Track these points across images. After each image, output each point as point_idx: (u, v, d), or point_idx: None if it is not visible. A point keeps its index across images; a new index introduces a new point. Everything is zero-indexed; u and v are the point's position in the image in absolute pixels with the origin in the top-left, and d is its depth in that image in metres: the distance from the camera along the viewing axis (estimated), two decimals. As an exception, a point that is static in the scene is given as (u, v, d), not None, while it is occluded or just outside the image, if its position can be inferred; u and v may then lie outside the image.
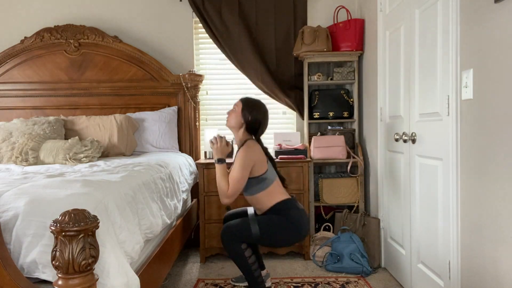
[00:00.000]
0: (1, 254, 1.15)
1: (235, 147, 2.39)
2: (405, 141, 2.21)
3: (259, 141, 2.26)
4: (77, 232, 1.08)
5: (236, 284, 2.46)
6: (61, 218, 1.09)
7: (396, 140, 2.29)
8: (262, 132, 2.27)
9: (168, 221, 2.13)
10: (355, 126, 3.17)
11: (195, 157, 3.28)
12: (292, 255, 2.95)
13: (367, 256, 2.64)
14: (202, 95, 3.44)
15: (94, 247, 1.12)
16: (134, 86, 3.27)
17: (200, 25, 3.36)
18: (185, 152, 3.28)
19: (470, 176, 1.64)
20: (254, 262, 2.16)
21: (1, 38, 3.40)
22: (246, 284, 2.43)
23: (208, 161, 2.90)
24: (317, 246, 2.77)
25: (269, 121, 3.35)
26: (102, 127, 2.96)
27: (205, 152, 3.10)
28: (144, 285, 1.63)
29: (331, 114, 3.16)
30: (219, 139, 2.23)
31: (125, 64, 3.27)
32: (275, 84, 3.22)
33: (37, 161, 2.53)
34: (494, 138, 1.47)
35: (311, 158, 3.01)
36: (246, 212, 2.38)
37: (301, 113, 3.31)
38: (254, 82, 3.28)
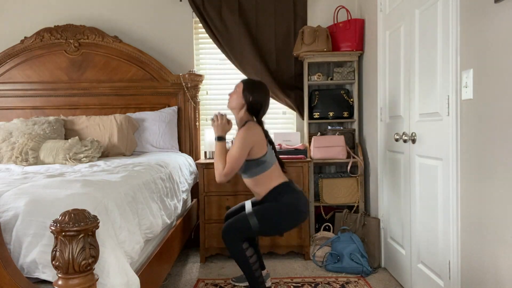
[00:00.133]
0: (1, 254, 1.15)
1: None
2: (405, 141, 2.21)
3: (261, 123, 2.23)
4: (77, 232, 1.08)
5: (236, 284, 2.45)
6: (61, 218, 1.09)
7: (396, 140, 2.29)
8: (264, 113, 2.25)
9: (168, 221, 2.13)
10: (355, 126, 3.17)
11: (195, 157, 3.28)
12: (292, 255, 2.95)
13: (367, 256, 2.64)
14: (202, 95, 3.44)
15: (94, 247, 1.12)
16: (134, 86, 3.27)
17: (200, 25, 3.36)
18: (185, 152, 3.28)
19: (470, 176, 1.64)
20: (255, 262, 2.15)
21: (1, 38, 3.40)
22: (246, 284, 2.43)
23: (208, 161, 2.90)
24: (317, 246, 2.77)
25: (269, 121, 3.40)
26: (102, 127, 2.96)
27: (205, 152, 3.10)
28: (144, 285, 1.63)
29: (331, 114, 3.16)
30: (220, 117, 2.21)
31: (125, 64, 3.27)
32: (275, 84, 3.22)
33: (37, 161, 2.53)
34: (494, 138, 1.47)
35: (311, 158, 3.01)
36: (244, 207, 2.38)
37: (301, 113, 3.31)
38: (254, 82, 3.28)
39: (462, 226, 1.71)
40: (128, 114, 3.17)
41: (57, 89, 3.27)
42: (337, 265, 2.62)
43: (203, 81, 3.36)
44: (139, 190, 1.80)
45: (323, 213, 3.12)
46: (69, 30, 3.25)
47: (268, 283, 2.39)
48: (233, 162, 2.08)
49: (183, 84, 3.24)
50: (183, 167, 2.80)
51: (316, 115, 3.18)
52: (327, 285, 2.42)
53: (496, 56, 1.45)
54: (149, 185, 1.96)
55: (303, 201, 2.18)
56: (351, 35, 3.06)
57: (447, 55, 1.79)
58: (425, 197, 2.06)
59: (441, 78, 1.85)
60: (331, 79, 3.18)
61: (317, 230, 3.09)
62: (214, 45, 3.33)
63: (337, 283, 2.45)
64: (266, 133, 2.23)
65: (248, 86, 2.19)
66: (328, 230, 3.01)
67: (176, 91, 3.29)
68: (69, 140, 2.58)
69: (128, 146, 2.98)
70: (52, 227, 1.08)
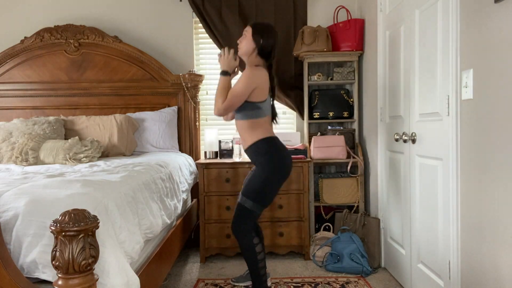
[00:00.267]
0: (1, 254, 1.15)
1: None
2: (405, 141, 2.21)
3: (271, 68, 2.22)
4: (77, 232, 1.08)
5: (236, 284, 2.46)
6: (61, 218, 1.09)
7: (396, 140, 2.29)
8: (274, 56, 2.23)
9: (168, 221, 2.13)
10: (355, 126, 3.17)
11: (195, 157, 3.28)
12: (292, 255, 2.95)
13: (367, 256, 2.64)
14: (202, 95, 3.44)
15: (94, 247, 1.12)
16: (134, 86, 3.27)
17: (200, 25, 3.36)
18: (185, 152, 3.28)
19: (470, 176, 1.64)
20: (262, 260, 2.17)
21: (1, 38, 3.40)
22: (246, 284, 2.43)
23: (208, 161, 2.90)
24: (317, 246, 2.78)
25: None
26: (102, 127, 2.96)
27: (205, 152, 3.10)
28: (144, 285, 1.63)
29: (331, 114, 3.16)
30: (227, 51, 2.20)
31: (125, 64, 3.27)
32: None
33: (37, 161, 2.53)
34: (494, 138, 1.47)
35: (311, 158, 3.01)
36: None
37: (301, 113, 3.31)
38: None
39: (462, 226, 1.71)
40: (128, 114, 3.17)
41: (57, 89, 3.27)
42: (337, 265, 2.62)
43: (203, 81, 3.36)
44: (139, 190, 1.80)
45: (323, 213, 3.12)
46: (69, 30, 3.25)
47: (268, 283, 2.39)
48: (234, 98, 2.07)
49: (183, 84, 3.24)
50: (183, 167, 2.80)
51: (316, 115, 3.18)
52: (327, 285, 2.42)
53: (496, 56, 1.45)
54: (149, 185, 1.96)
55: (287, 157, 2.16)
56: (351, 35, 3.06)
57: (447, 55, 1.79)
58: (425, 197, 2.06)
59: (441, 78, 1.85)
60: (331, 79, 3.18)
61: (317, 230, 3.09)
62: (214, 45, 3.33)
63: (337, 283, 2.45)
64: (272, 79, 2.21)
65: (258, 30, 2.17)
66: (328, 230, 3.01)
67: (176, 91, 3.29)
68: (69, 140, 2.58)
69: (128, 146, 2.98)
70: (52, 227, 1.08)
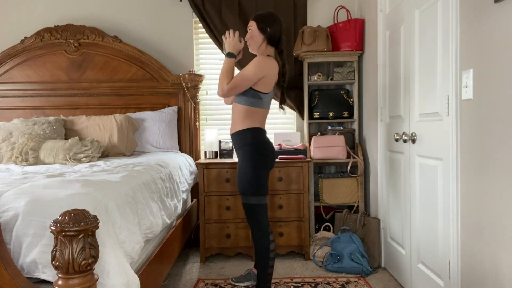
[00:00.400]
0: (1, 254, 1.15)
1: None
2: (405, 141, 2.21)
3: (282, 54, 2.23)
4: (77, 232, 1.08)
5: (236, 284, 2.46)
6: (61, 218, 1.09)
7: (396, 140, 2.29)
8: (283, 41, 2.24)
9: (168, 221, 2.13)
10: (355, 126, 3.17)
11: (195, 157, 3.28)
12: (292, 255, 2.95)
13: (367, 256, 2.64)
14: (202, 95, 3.43)
15: (94, 247, 1.12)
16: (134, 86, 3.27)
17: (200, 25, 3.36)
18: (185, 152, 3.28)
19: (470, 176, 1.64)
20: (273, 259, 2.19)
21: (1, 38, 3.40)
22: (246, 284, 2.43)
23: (208, 161, 2.90)
24: (317, 246, 2.78)
25: (269, 121, 3.40)
26: (102, 127, 2.96)
27: (205, 152, 3.11)
28: (144, 285, 1.63)
29: (331, 114, 3.16)
30: (233, 33, 2.20)
31: (125, 64, 3.27)
32: (275, 84, 3.21)
33: (37, 161, 2.53)
34: (494, 138, 1.47)
35: (311, 158, 3.01)
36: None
37: (301, 113, 3.31)
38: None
39: (462, 226, 1.71)
40: (128, 114, 3.17)
41: (57, 89, 3.27)
42: (337, 265, 2.62)
43: (203, 81, 3.36)
44: (139, 190, 1.80)
45: (323, 213, 3.12)
46: (69, 30, 3.25)
47: (268, 283, 2.40)
48: (241, 81, 2.07)
49: (183, 84, 3.24)
50: (183, 167, 2.80)
51: (316, 115, 3.18)
52: (327, 285, 2.42)
53: (496, 56, 1.45)
54: (149, 185, 1.96)
55: (269, 145, 2.19)
56: (351, 35, 3.06)
57: (447, 55, 1.79)
58: (425, 197, 2.06)
59: (441, 78, 1.85)
60: (331, 79, 3.18)
61: (317, 230, 3.09)
62: (214, 45, 3.33)
63: (337, 283, 2.45)
64: (284, 65, 2.22)
65: (261, 20, 2.18)
66: (328, 230, 3.01)
67: (176, 91, 3.29)
68: (69, 140, 2.58)
69: (128, 146, 2.98)
70: (52, 227, 1.08)
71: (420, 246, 2.13)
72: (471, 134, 1.62)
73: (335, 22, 3.20)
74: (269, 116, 3.35)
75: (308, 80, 3.19)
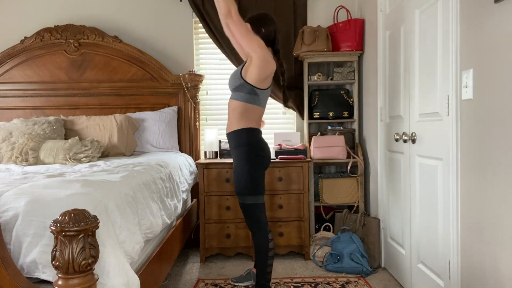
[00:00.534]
0: (1, 254, 1.15)
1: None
2: (405, 141, 2.21)
3: (278, 53, 2.24)
4: (77, 232, 1.08)
5: (236, 284, 2.46)
6: (61, 218, 1.09)
7: (396, 140, 2.29)
8: (279, 40, 2.26)
9: (168, 221, 2.13)
10: (355, 126, 3.17)
11: (195, 157, 3.28)
12: (292, 255, 2.95)
13: (367, 256, 2.64)
14: (202, 95, 3.44)
15: (94, 247, 1.12)
16: (134, 86, 3.27)
17: (200, 25, 3.36)
18: (185, 152, 3.28)
19: (470, 176, 1.64)
20: (272, 258, 2.20)
21: (1, 38, 3.40)
22: (246, 284, 2.43)
23: (208, 161, 2.90)
24: (317, 246, 2.78)
25: (269, 121, 3.40)
26: (102, 127, 2.96)
27: (205, 152, 3.10)
28: (144, 285, 1.63)
29: (331, 114, 3.16)
30: None
31: (125, 64, 3.27)
32: (275, 84, 3.22)
33: (37, 161, 2.53)
34: (494, 138, 1.47)
35: (311, 158, 3.01)
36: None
37: (301, 113, 3.31)
38: (254, 82, 3.28)
39: (462, 226, 1.71)
40: (128, 114, 3.17)
41: (57, 89, 3.27)
42: (337, 265, 2.62)
43: (203, 81, 3.36)
44: (139, 190, 1.80)
45: (323, 213, 3.12)
46: (69, 30, 3.25)
47: (268, 283, 2.40)
48: (243, 29, 2.04)
49: (183, 84, 3.24)
50: (183, 167, 2.80)
51: (316, 115, 3.18)
52: (327, 285, 2.42)
53: (496, 56, 1.45)
54: (149, 185, 1.96)
55: (263, 145, 2.20)
56: (351, 35, 3.06)
57: (447, 55, 1.79)
58: (425, 197, 2.06)
59: (441, 78, 1.85)
60: (331, 79, 3.18)
61: (317, 230, 3.09)
62: (214, 45, 3.33)
63: (337, 283, 2.45)
64: (281, 64, 2.23)
65: (256, 22, 2.19)
66: (328, 230, 3.01)
67: (176, 91, 3.29)
68: (69, 140, 2.58)
69: (128, 146, 2.98)
70: (52, 227, 1.08)
71: (420, 246, 2.13)
72: (471, 134, 1.62)
73: (335, 22, 3.20)
74: (269, 116, 3.39)
75: (308, 80, 3.19)
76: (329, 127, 3.23)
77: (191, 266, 2.83)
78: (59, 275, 1.10)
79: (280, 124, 3.47)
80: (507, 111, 1.39)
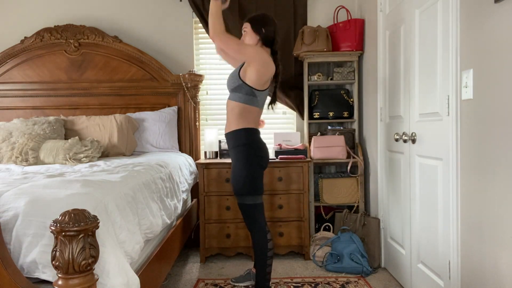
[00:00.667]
0: (1, 254, 1.15)
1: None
2: (405, 141, 2.21)
3: (276, 54, 2.26)
4: (77, 232, 1.08)
5: (236, 284, 2.46)
6: (61, 218, 1.09)
7: (396, 140, 2.29)
8: (278, 41, 2.27)
9: (168, 221, 2.13)
10: (355, 126, 3.17)
11: (195, 157, 3.28)
12: (292, 255, 2.95)
13: (367, 256, 2.64)
14: (202, 95, 3.44)
15: (94, 247, 1.12)
16: (134, 86, 3.27)
17: (200, 25, 3.36)
18: (185, 152, 3.28)
19: (470, 176, 1.64)
20: (271, 257, 2.20)
21: (1, 38, 3.40)
22: (246, 284, 2.43)
23: (208, 161, 2.90)
24: (317, 246, 2.77)
25: (269, 121, 3.40)
26: (102, 127, 2.96)
27: (205, 152, 3.10)
28: (144, 285, 1.63)
29: (331, 114, 3.16)
30: None
31: (125, 64, 3.27)
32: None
33: (37, 161, 2.53)
34: (494, 138, 1.47)
35: (311, 158, 3.01)
36: None
37: (301, 113, 3.31)
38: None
39: (462, 226, 1.71)
40: (128, 114, 3.17)
41: (57, 89, 3.27)
42: (337, 265, 2.62)
43: (203, 81, 3.36)
44: (139, 190, 1.80)
45: (323, 213, 3.12)
46: (69, 30, 3.25)
47: (268, 283, 2.40)
48: (234, 44, 2.09)
49: (183, 84, 3.24)
50: (183, 167, 2.80)
51: (316, 115, 3.18)
52: (327, 285, 2.42)
53: (496, 56, 1.45)
54: (149, 185, 1.96)
55: (262, 146, 2.20)
56: (351, 35, 3.06)
57: (447, 55, 1.79)
58: (425, 197, 2.06)
59: (441, 78, 1.85)
60: (331, 79, 3.18)
61: (317, 230, 3.09)
62: (214, 45, 3.32)
63: (337, 283, 2.45)
64: (278, 65, 2.25)
65: (256, 22, 2.20)
66: (328, 230, 3.01)
67: (176, 91, 3.29)
68: (69, 140, 2.58)
69: (128, 146, 2.98)
70: (52, 227, 1.08)
71: (420, 246, 2.13)
72: (471, 134, 1.62)
73: (335, 22, 3.20)
74: (269, 116, 3.39)
75: (308, 80, 3.19)
76: (329, 127, 3.23)
77: (191, 266, 2.83)
78: (59, 275, 1.10)
79: (280, 124, 3.47)
80: (507, 111, 1.39)
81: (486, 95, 1.51)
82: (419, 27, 2.10)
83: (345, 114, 3.17)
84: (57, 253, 1.08)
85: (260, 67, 2.09)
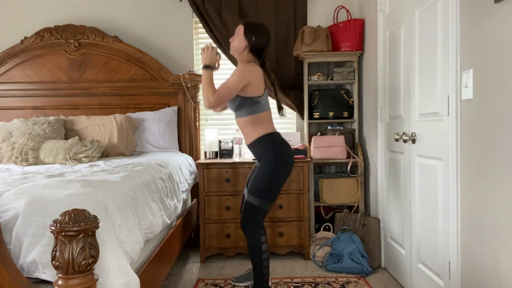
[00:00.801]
0: (1, 254, 1.15)
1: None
2: (405, 141, 2.21)
3: (264, 65, 2.25)
4: (77, 232, 1.08)
5: (236, 284, 2.46)
6: (61, 218, 1.09)
7: (396, 140, 2.29)
8: (266, 54, 2.26)
9: (168, 221, 2.13)
10: (355, 126, 3.17)
11: (195, 157, 3.28)
12: (292, 255, 2.95)
13: (367, 256, 2.64)
14: (202, 95, 3.43)
15: (94, 247, 1.12)
16: (134, 86, 3.27)
17: (200, 25, 3.36)
18: (185, 152, 3.28)
19: (470, 176, 1.64)
20: (267, 259, 2.19)
21: (1, 38, 3.40)
22: (246, 284, 2.43)
23: (208, 161, 2.90)
24: (317, 246, 2.77)
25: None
26: (102, 127, 2.96)
27: (205, 152, 3.11)
28: (144, 285, 1.63)
29: (331, 114, 3.16)
30: (210, 47, 2.22)
31: (125, 64, 3.27)
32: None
33: (37, 161, 2.53)
34: (494, 138, 1.47)
35: (311, 158, 3.01)
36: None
37: (301, 113, 3.31)
38: (254, 82, 3.27)
39: (462, 226, 1.71)
40: (128, 114, 3.17)
41: (57, 89, 3.27)
42: (337, 265, 2.62)
43: (203, 81, 3.36)
44: (139, 190, 1.80)
45: (323, 213, 3.12)
46: (69, 30, 3.25)
47: (268, 283, 2.39)
48: (224, 91, 2.08)
49: (183, 84, 3.24)
50: (183, 167, 2.80)
51: (316, 115, 3.18)
52: (327, 285, 2.42)
53: (496, 56, 1.45)
54: (149, 185, 1.96)
55: (290, 152, 2.20)
56: (351, 35, 3.06)
57: (447, 55, 1.79)
58: (425, 197, 2.06)
59: (441, 78, 1.85)
60: (331, 79, 3.18)
61: (317, 230, 3.09)
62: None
63: (337, 283, 2.45)
64: (269, 75, 2.24)
65: (250, 28, 2.19)
66: (328, 230, 3.01)
67: (176, 91, 3.29)
68: (69, 140, 2.58)
69: (128, 146, 2.98)
70: (52, 227, 1.08)
71: (420, 246, 2.13)
72: (471, 134, 1.62)
73: (335, 22, 3.20)
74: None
75: (308, 80, 3.19)
76: (329, 127, 3.23)
77: (191, 266, 2.83)
78: (59, 275, 1.10)
79: (280, 124, 3.47)
80: (507, 111, 1.39)
81: (486, 95, 1.51)
82: (419, 27, 2.10)
83: (345, 114, 3.17)
84: (57, 253, 1.08)
85: (244, 73, 2.08)
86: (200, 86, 3.31)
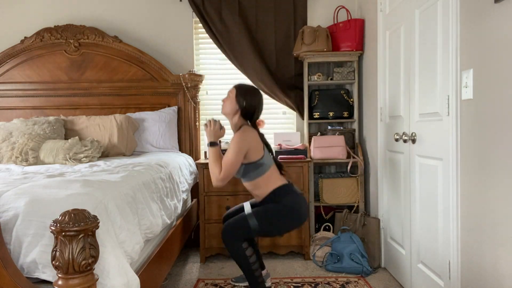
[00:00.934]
0: (1, 254, 1.15)
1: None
2: (405, 141, 2.21)
3: (255, 127, 2.25)
4: (77, 232, 1.08)
5: (236, 284, 2.46)
6: (61, 218, 1.09)
7: (396, 140, 2.29)
8: (258, 117, 2.27)
9: (168, 221, 2.13)
10: (355, 126, 3.17)
11: (195, 157, 3.28)
12: (292, 255, 2.95)
13: (367, 256, 2.64)
14: (202, 95, 3.44)
15: (94, 247, 1.12)
16: (134, 86, 3.27)
17: (200, 25, 3.36)
18: (185, 152, 3.28)
19: (470, 176, 1.64)
20: (255, 262, 2.16)
21: (1, 38, 3.40)
22: (246, 284, 2.43)
23: (208, 161, 2.89)
24: (317, 246, 2.77)
25: (269, 121, 3.40)
26: (102, 127, 2.96)
27: (205, 152, 3.11)
28: (144, 285, 1.63)
29: (331, 114, 3.16)
30: (213, 122, 2.23)
31: (125, 64, 3.27)
32: (275, 84, 3.22)
33: (37, 161, 2.53)
34: (494, 138, 1.47)
35: (311, 158, 3.01)
36: (243, 208, 2.38)
37: (301, 113, 3.31)
38: (254, 82, 3.27)
39: (462, 226, 1.71)
40: (128, 114, 3.17)
41: (57, 89, 3.27)
42: (337, 265, 2.62)
43: (203, 81, 3.36)
44: (139, 190, 1.80)
45: (323, 213, 3.12)
46: (69, 30, 3.25)
47: (268, 283, 2.39)
48: (229, 167, 2.09)
49: (183, 84, 3.24)
50: (183, 167, 2.80)
51: (316, 115, 3.19)
52: (327, 285, 2.42)
53: (496, 56, 1.45)
54: (149, 185, 1.96)
55: (303, 203, 2.19)
56: (351, 35, 3.06)
57: (447, 55, 1.79)
58: (425, 197, 2.06)
59: (441, 78, 1.85)
60: (331, 79, 3.18)
61: (317, 230, 3.09)
62: (214, 45, 3.33)
63: (337, 283, 2.45)
64: (262, 137, 2.24)
65: (241, 92, 2.21)
66: (328, 230, 3.01)
67: (176, 91, 3.29)
68: (69, 140, 2.58)
69: (128, 146, 2.98)
70: (52, 227, 1.08)
71: (420, 246, 2.13)
72: (471, 134, 1.62)
73: (335, 22, 3.21)
74: (269, 116, 3.39)
75: (308, 80, 3.19)
76: (329, 127, 3.23)
77: (191, 266, 2.83)
78: (59, 275, 1.10)
79: (280, 124, 3.47)
80: (507, 111, 1.39)
81: (486, 95, 1.51)
82: (419, 27, 2.10)
83: (345, 114, 3.17)
84: (57, 253, 1.08)
85: (241, 142, 2.08)
86: (200, 86, 3.32)
